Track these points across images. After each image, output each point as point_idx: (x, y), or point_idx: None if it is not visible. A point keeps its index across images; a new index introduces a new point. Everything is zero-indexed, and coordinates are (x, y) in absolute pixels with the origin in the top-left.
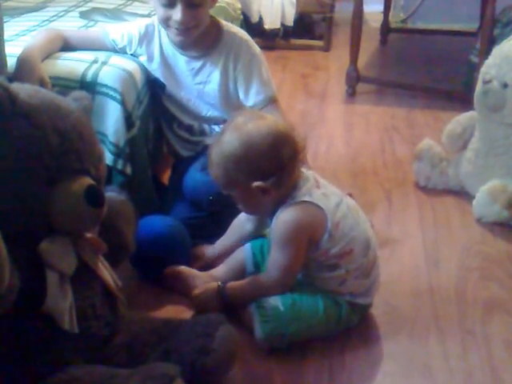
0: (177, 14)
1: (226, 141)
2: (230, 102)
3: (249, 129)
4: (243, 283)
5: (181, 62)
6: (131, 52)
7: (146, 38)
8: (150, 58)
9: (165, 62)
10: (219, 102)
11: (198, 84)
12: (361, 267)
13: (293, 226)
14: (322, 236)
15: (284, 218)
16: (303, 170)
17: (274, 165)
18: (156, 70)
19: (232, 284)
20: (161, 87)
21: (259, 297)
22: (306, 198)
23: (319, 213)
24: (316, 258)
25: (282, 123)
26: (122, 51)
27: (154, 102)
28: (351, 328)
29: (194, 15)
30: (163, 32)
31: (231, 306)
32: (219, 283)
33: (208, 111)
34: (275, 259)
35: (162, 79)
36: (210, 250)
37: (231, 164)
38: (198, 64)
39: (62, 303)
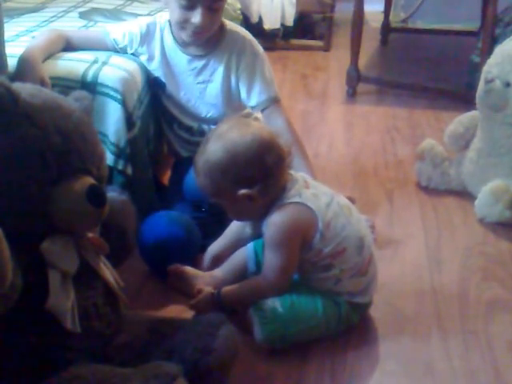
0: (196, 17)
1: (210, 150)
2: (231, 101)
3: (233, 137)
4: (239, 287)
5: (182, 61)
6: (132, 51)
7: (147, 37)
8: (151, 58)
9: (165, 61)
10: (221, 102)
11: (201, 83)
12: (355, 266)
13: (284, 227)
14: (314, 236)
15: (274, 221)
16: (291, 172)
17: (259, 172)
18: (156, 69)
19: (227, 289)
20: (161, 87)
21: (256, 300)
22: (296, 199)
23: (309, 213)
24: (309, 259)
25: (266, 130)
26: (122, 51)
27: (155, 102)
28: (353, 328)
29: (212, 19)
30: (166, 31)
31: (228, 310)
32: (213, 291)
33: (208, 112)
34: (270, 262)
35: (162, 79)
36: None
37: (217, 173)
38: (200, 63)
39: (64, 302)
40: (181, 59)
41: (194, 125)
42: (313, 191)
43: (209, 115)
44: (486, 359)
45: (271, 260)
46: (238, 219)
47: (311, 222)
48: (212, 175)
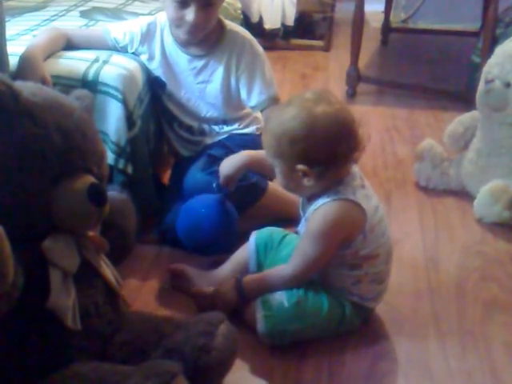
0: (189, 14)
1: (289, 114)
2: (231, 101)
3: (317, 112)
4: (261, 275)
5: (182, 60)
6: (132, 51)
7: (147, 36)
8: (151, 57)
9: (166, 60)
10: (220, 102)
11: (200, 83)
12: (379, 273)
13: (333, 222)
14: (357, 236)
15: (326, 213)
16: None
17: (326, 156)
18: (157, 68)
19: (249, 276)
20: (161, 86)
21: (274, 288)
22: (351, 197)
23: (360, 213)
24: (343, 256)
25: (349, 114)
26: (123, 50)
27: (155, 101)
28: None
29: (206, 16)
30: (166, 30)
31: (247, 299)
32: (237, 276)
33: (208, 112)
34: (305, 251)
35: (162, 78)
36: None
37: (286, 139)
38: (200, 63)
39: (65, 301)
40: (181, 59)
41: (194, 124)
42: (366, 192)
43: (208, 115)
44: (483, 359)
45: (307, 250)
46: (284, 187)
47: (359, 222)
48: (279, 139)
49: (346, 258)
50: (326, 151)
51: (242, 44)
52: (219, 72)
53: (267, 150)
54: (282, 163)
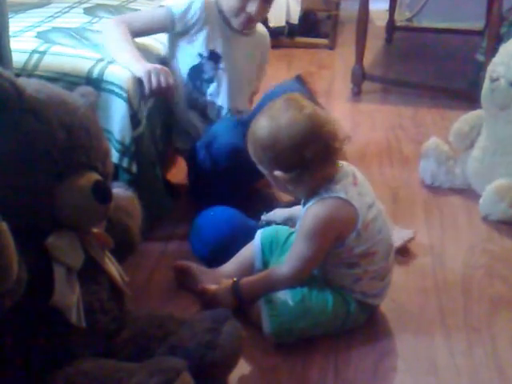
0: (252, 6)
1: (258, 124)
2: (249, 89)
3: (281, 120)
4: (257, 276)
5: (227, 43)
6: (184, 28)
7: (201, 16)
8: (197, 34)
9: (215, 41)
10: (246, 89)
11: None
12: (379, 270)
13: (323, 220)
14: (350, 234)
15: (316, 212)
16: (342, 163)
17: (296, 161)
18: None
19: (246, 279)
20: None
21: (272, 289)
22: (341, 195)
23: (351, 211)
24: (339, 254)
25: (318, 119)
26: (180, 27)
27: (161, 100)
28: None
29: (266, 10)
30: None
31: (245, 301)
32: (234, 279)
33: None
34: (298, 250)
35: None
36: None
37: (258, 147)
38: (240, 46)
39: (69, 297)
40: (228, 41)
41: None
42: (359, 190)
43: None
44: (489, 356)
45: (301, 249)
46: (277, 188)
47: (351, 219)
48: (254, 147)
49: (342, 257)
50: (293, 157)
51: (265, 36)
52: (250, 57)
53: (251, 155)
54: (263, 168)
